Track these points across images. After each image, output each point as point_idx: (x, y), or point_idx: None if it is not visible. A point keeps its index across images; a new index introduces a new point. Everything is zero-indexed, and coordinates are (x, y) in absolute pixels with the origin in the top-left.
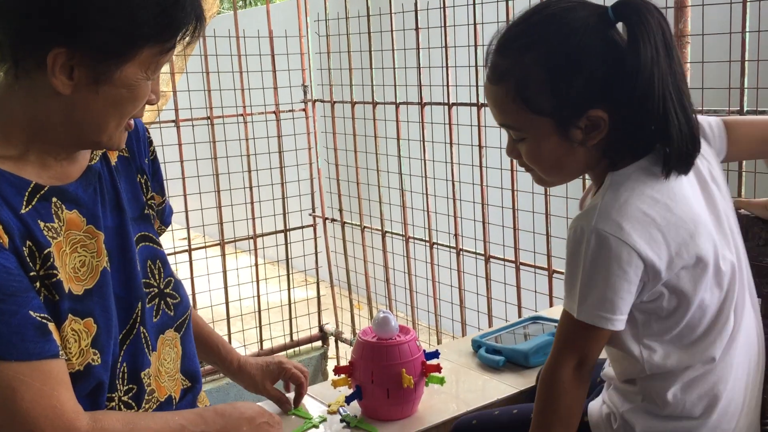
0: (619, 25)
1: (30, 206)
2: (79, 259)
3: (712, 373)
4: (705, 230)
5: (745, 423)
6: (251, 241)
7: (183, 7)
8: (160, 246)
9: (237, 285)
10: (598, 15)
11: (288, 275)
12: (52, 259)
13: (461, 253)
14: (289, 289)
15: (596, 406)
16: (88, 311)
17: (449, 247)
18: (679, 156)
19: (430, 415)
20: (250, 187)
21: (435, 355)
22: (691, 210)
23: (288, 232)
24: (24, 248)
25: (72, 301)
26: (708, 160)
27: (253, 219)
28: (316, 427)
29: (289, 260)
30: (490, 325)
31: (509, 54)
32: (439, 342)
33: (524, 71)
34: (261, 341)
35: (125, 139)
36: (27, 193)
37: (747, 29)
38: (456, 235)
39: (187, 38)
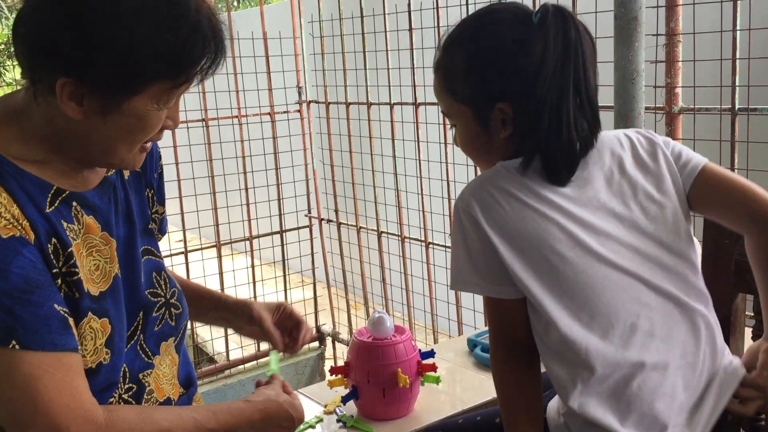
0: None
1: (53, 207)
2: (94, 262)
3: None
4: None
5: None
6: (247, 242)
7: (196, 44)
8: (162, 260)
9: (234, 287)
10: (522, 18)
11: (284, 276)
12: (74, 259)
13: None
14: (285, 290)
15: (553, 403)
16: (104, 312)
17: (445, 246)
18: (546, 162)
19: (426, 414)
20: (246, 189)
21: (430, 354)
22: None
23: (284, 234)
24: (49, 245)
25: (90, 300)
26: (649, 171)
27: (249, 220)
28: (313, 427)
29: (286, 261)
30: (486, 324)
31: (445, 49)
32: (435, 341)
33: (451, 63)
34: (258, 342)
35: (142, 160)
36: (50, 195)
37: (738, 27)
38: (451, 234)
39: (204, 73)
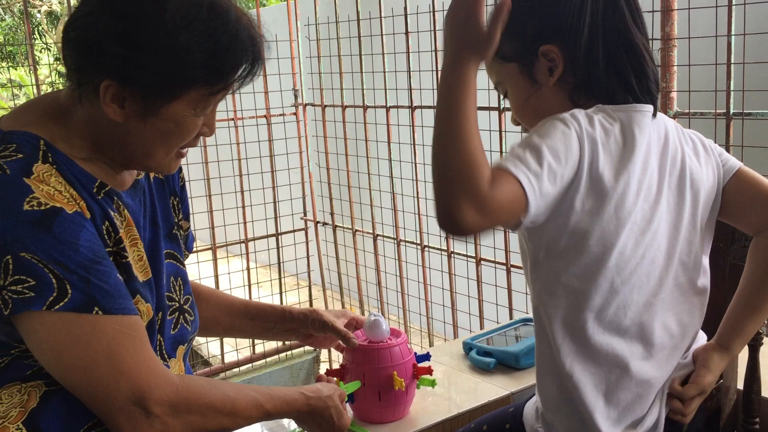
0: None
1: (100, 196)
2: (137, 253)
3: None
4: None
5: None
6: (243, 245)
7: (234, 53)
8: (184, 266)
9: (229, 289)
10: None
11: (280, 279)
12: (123, 243)
13: (452, 255)
14: (281, 292)
15: (530, 405)
16: (147, 298)
17: (440, 249)
18: (631, 86)
19: (422, 418)
20: (242, 192)
21: (426, 357)
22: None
23: (280, 236)
24: (103, 226)
25: (138, 284)
26: (700, 163)
27: (245, 223)
28: None
29: (281, 264)
30: (482, 327)
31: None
32: (431, 344)
33: None
34: (253, 345)
35: (177, 166)
36: (96, 186)
37: (732, 32)
38: (447, 238)
39: (241, 81)
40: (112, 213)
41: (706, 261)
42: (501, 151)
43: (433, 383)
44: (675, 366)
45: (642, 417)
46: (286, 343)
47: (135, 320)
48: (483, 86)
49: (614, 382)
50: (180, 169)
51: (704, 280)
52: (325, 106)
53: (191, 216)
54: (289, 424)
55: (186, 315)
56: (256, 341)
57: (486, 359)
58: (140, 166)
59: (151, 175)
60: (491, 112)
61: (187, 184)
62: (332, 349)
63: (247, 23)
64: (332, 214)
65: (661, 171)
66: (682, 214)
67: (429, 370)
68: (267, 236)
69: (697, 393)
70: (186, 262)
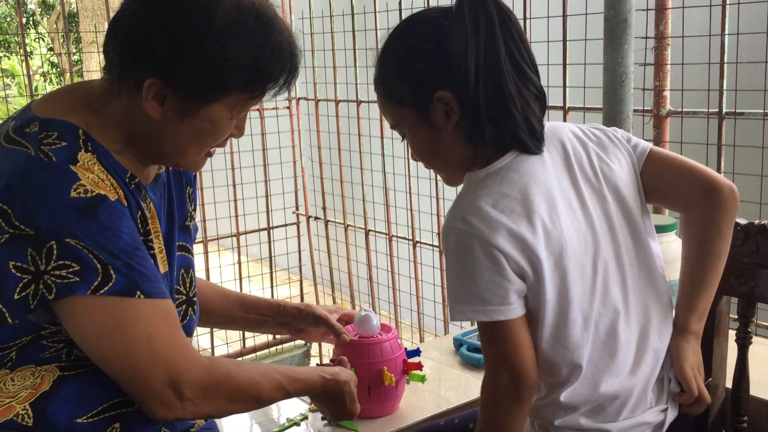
0: None
1: (132, 186)
2: (159, 246)
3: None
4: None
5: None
6: (234, 238)
7: (277, 62)
8: (193, 257)
9: (220, 282)
10: (442, 12)
11: (271, 273)
12: (151, 235)
13: None
14: (272, 287)
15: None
16: (168, 291)
17: (432, 246)
18: (513, 134)
19: (412, 413)
20: (234, 185)
21: (416, 353)
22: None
23: (271, 230)
24: (137, 215)
25: (161, 275)
26: (610, 158)
27: (237, 217)
28: (298, 424)
29: (273, 258)
30: (473, 323)
31: (378, 63)
32: (421, 340)
33: (386, 71)
34: (244, 339)
35: (203, 165)
36: (127, 177)
37: (726, 32)
38: (439, 233)
39: (279, 89)
40: (142, 204)
41: (656, 246)
42: None
43: (422, 379)
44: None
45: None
46: (277, 336)
47: (169, 304)
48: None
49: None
50: None
51: (660, 263)
52: (319, 100)
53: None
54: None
55: (195, 306)
56: (247, 334)
57: (476, 355)
58: (170, 163)
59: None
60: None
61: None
62: (323, 344)
63: (288, 35)
64: (324, 208)
65: (575, 188)
66: (610, 214)
67: (419, 366)
68: (259, 230)
69: (695, 382)
70: None
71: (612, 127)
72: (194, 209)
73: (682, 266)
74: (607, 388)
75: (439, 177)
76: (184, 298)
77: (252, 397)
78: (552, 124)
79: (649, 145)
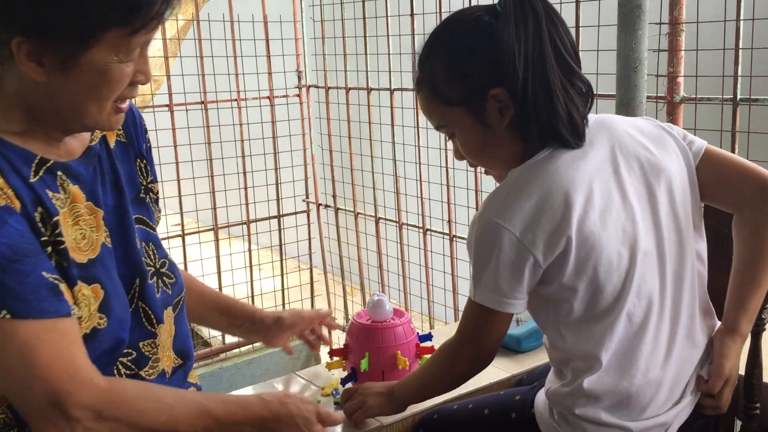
0: None
1: (38, 176)
2: (81, 231)
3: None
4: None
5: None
6: (245, 226)
7: None
8: (154, 230)
9: (230, 270)
10: (487, 10)
11: (281, 261)
12: (59, 228)
13: (455, 239)
14: (282, 275)
15: (541, 398)
16: (95, 277)
17: (443, 233)
18: (551, 133)
19: None
20: (244, 173)
21: (428, 337)
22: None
23: (281, 218)
24: (36, 214)
25: (78, 268)
26: (664, 152)
27: (247, 204)
28: None
29: (283, 246)
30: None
31: (421, 64)
32: (431, 328)
33: (432, 72)
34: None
35: (120, 120)
36: (34, 165)
37: (741, 17)
38: (450, 221)
39: (159, 17)
40: (50, 194)
41: (702, 245)
42: None
43: None
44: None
45: None
46: None
47: (53, 324)
48: None
49: None
50: (146, 130)
51: (702, 260)
52: (329, 87)
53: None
54: None
55: (165, 278)
56: None
57: None
58: (78, 126)
59: (111, 139)
60: None
61: (163, 150)
62: (332, 332)
63: None
64: (334, 196)
65: (618, 180)
66: (657, 208)
67: (432, 350)
68: (269, 218)
69: (723, 383)
70: (187, 243)
71: (667, 123)
72: (152, 183)
73: (733, 265)
74: (633, 381)
75: (449, 164)
76: (153, 269)
77: (163, 423)
78: (603, 116)
79: (705, 143)
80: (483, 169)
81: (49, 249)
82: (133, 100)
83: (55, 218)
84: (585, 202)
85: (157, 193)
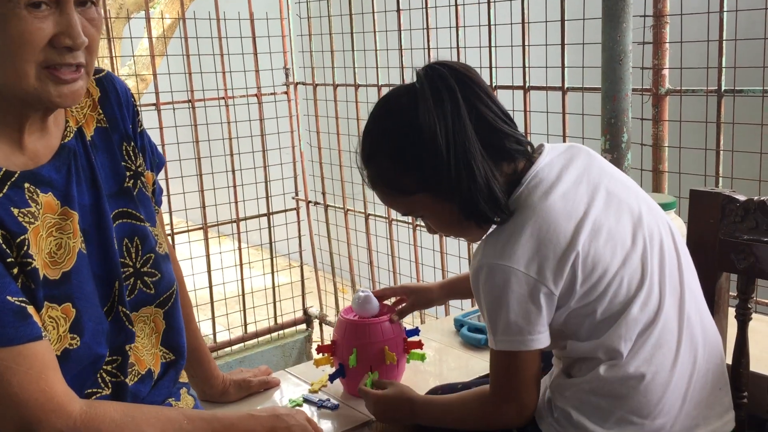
0: None
1: (1, 194)
2: (56, 242)
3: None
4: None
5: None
6: (234, 225)
7: None
8: (143, 222)
9: (220, 269)
10: (408, 91)
11: (271, 259)
12: (27, 247)
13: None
14: (273, 272)
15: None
16: (66, 296)
17: None
18: (474, 205)
19: None
20: (233, 171)
21: (416, 332)
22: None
23: (271, 216)
24: None
25: (48, 287)
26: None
27: (236, 203)
28: (300, 405)
29: (273, 244)
30: (473, 305)
31: (367, 162)
32: (422, 322)
33: (380, 168)
34: (245, 325)
35: (71, 95)
36: None
37: (725, 9)
38: None
39: None
40: (15, 212)
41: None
42: (525, 131)
43: (422, 357)
44: None
45: None
46: (278, 322)
47: (21, 350)
48: (506, 64)
49: None
50: (137, 112)
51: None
52: (317, 84)
53: (155, 167)
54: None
55: (145, 278)
56: (248, 320)
57: (477, 335)
58: (17, 102)
59: (89, 128)
60: (515, 91)
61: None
62: (324, 328)
63: None
64: (324, 193)
65: (598, 190)
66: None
67: (419, 344)
68: (258, 216)
69: None
70: (177, 242)
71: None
72: (141, 166)
73: None
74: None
75: None
76: (130, 270)
77: None
78: (576, 146)
79: None
80: None
81: (15, 270)
82: (125, 82)
83: (21, 238)
84: (578, 221)
85: (154, 182)
